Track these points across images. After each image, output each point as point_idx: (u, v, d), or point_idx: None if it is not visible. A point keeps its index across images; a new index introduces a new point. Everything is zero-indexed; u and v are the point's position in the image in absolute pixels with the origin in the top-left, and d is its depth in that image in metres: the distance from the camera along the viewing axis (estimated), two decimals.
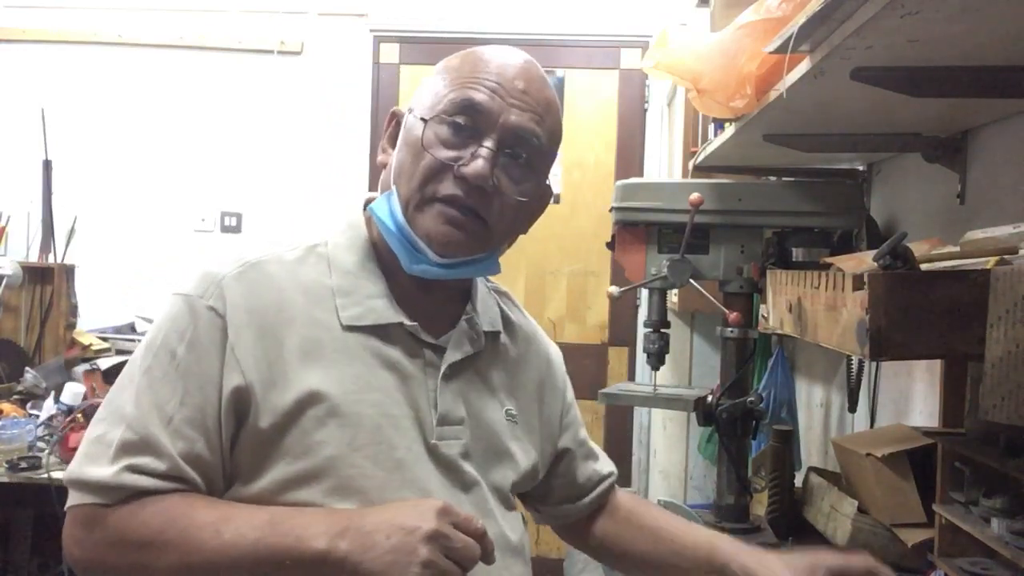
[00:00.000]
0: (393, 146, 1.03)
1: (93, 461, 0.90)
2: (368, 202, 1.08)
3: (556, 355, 1.22)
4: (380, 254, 1.02)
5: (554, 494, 1.20)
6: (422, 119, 0.97)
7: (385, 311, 0.99)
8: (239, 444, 0.92)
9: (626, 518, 1.22)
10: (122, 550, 0.88)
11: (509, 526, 1.03)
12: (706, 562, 1.10)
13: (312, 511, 0.89)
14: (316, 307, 0.96)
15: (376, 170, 1.15)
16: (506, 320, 1.14)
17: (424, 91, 1.01)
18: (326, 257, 1.01)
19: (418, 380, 0.99)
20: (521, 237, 1.09)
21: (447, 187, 0.96)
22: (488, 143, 0.96)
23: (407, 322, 0.99)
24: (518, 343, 1.14)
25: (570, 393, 1.23)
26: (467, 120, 0.96)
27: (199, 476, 0.91)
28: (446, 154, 0.95)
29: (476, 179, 0.94)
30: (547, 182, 1.06)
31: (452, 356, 1.02)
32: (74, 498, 0.91)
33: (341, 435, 0.92)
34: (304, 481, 0.91)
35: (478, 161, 0.94)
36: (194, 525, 0.87)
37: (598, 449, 1.27)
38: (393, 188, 0.99)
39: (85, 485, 0.90)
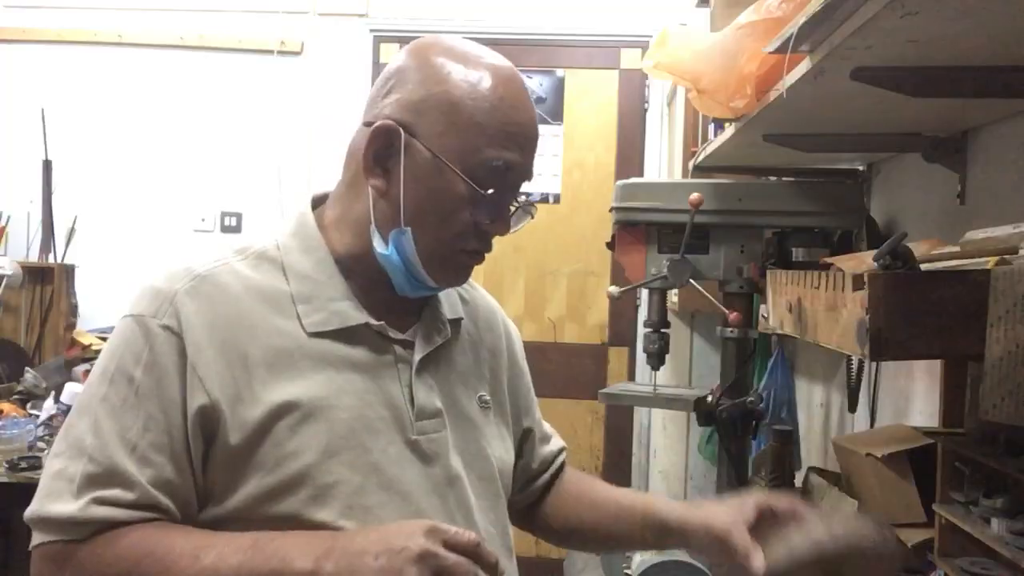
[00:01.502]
0: (382, 167, 0.95)
1: (56, 497, 0.87)
2: (317, 200, 1.06)
3: (515, 331, 1.22)
4: (336, 254, 1.00)
5: (515, 478, 1.17)
6: (452, 169, 0.92)
7: (349, 313, 0.97)
8: (210, 463, 0.90)
9: (568, 492, 1.20)
10: None
11: (490, 520, 1.02)
12: (642, 521, 1.09)
13: (296, 534, 0.87)
14: (277, 316, 0.94)
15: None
16: (464, 302, 1.13)
17: (440, 121, 0.93)
18: (279, 262, 0.98)
19: (390, 378, 0.98)
20: (521, 237, 1.10)
21: (474, 243, 0.97)
22: (512, 198, 0.98)
23: (373, 322, 0.98)
24: (479, 324, 1.14)
25: (527, 371, 1.22)
26: (500, 180, 0.95)
27: (171, 502, 0.89)
28: (482, 217, 0.95)
29: (500, 233, 0.98)
30: None
31: (422, 349, 1.01)
32: (38, 537, 0.87)
33: (315, 443, 0.90)
34: (280, 493, 0.89)
35: (506, 223, 0.98)
36: (173, 553, 0.84)
37: (550, 429, 1.25)
38: (407, 230, 0.94)
39: (50, 523, 0.87)
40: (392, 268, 0.97)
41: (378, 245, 0.96)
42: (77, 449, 0.88)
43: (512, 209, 0.99)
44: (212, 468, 0.90)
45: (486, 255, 1.01)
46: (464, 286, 1.15)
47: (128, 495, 0.87)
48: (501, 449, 1.08)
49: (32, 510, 0.89)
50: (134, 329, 0.92)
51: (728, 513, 0.99)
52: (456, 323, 1.08)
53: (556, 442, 1.24)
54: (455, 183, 0.93)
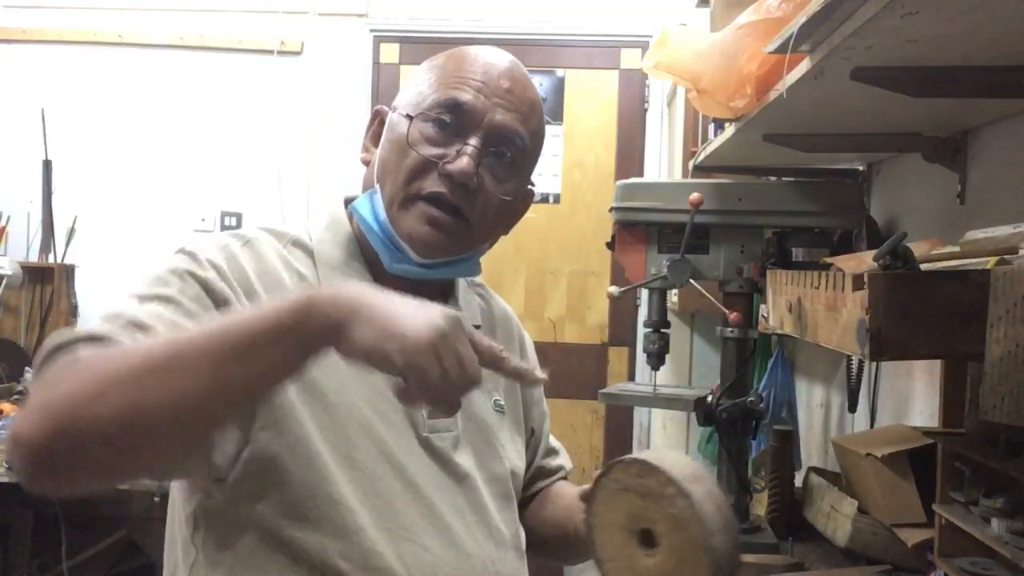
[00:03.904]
0: (376, 144, 1.03)
1: (65, 334, 0.80)
2: (349, 200, 1.07)
3: (529, 340, 1.23)
4: (364, 251, 1.02)
5: None
6: (407, 116, 0.98)
7: None
8: None
9: (544, 494, 1.19)
10: (78, 372, 0.73)
11: (503, 519, 1.02)
12: (564, 532, 1.08)
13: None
14: None
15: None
16: (483, 311, 1.14)
17: (409, 90, 1.02)
18: (311, 251, 1.00)
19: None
20: (521, 237, 1.09)
21: (431, 184, 0.96)
22: (473, 141, 0.96)
23: None
24: (497, 333, 1.14)
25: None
26: (452, 118, 0.96)
27: None
28: (431, 151, 0.96)
29: (461, 176, 0.94)
30: (530, 184, 1.07)
31: None
32: (35, 381, 0.77)
33: (331, 425, 0.91)
34: (295, 460, 0.89)
35: (463, 159, 0.95)
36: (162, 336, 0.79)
37: (558, 444, 1.25)
38: (376, 187, 0.99)
39: (55, 348, 0.78)
40: (371, 234, 0.98)
41: (364, 212, 0.99)
42: (101, 318, 0.84)
43: (473, 151, 0.95)
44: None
45: (471, 226, 0.98)
46: (482, 293, 1.16)
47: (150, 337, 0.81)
48: (514, 453, 1.08)
49: (40, 351, 0.80)
50: (179, 256, 0.92)
51: None
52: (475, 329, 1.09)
53: (559, 460, 1.23)
54: (408, 127, 0.97)
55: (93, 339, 0.79)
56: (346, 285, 0.78)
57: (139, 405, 0.71)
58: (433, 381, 0.72)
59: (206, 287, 0.89)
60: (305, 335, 0.73)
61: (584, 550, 1.06)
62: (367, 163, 1.04)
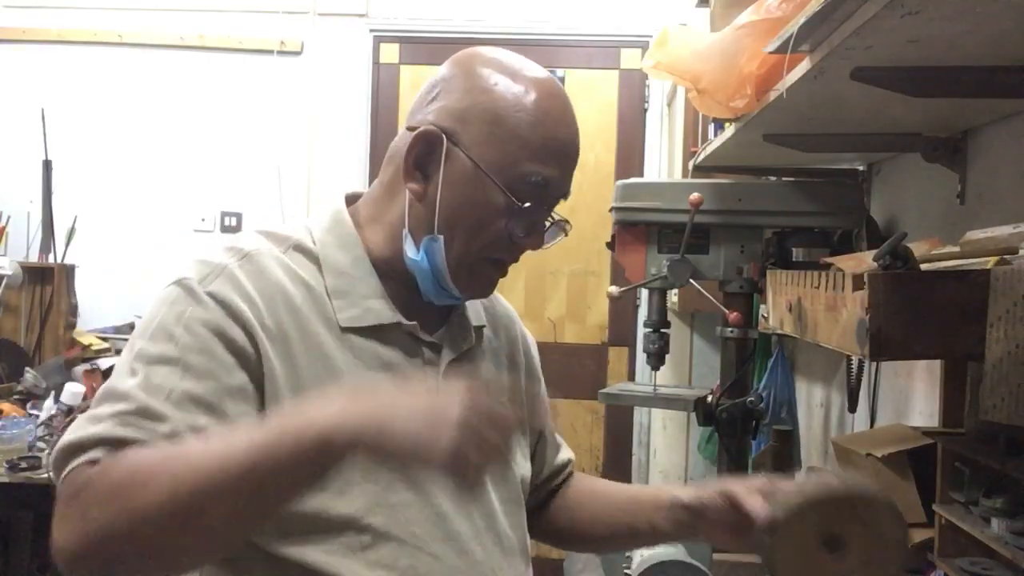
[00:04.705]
0: (421, 171, 0.96)
1: (83, 430, 0.83)
2: (353, 197, 1.06)
3: (531, 339, 1.23)
4: (371, 253, 1.00)
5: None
6: (494, 182, 0.93)
7: (383, 312, 0.97)
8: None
9: (576, 490, 1.21)
10: (107, 501, 0.77)
11: (511, 524, 1.03)
12: (653, 503, 1.09)
13: (316, 398, 0.82)
14: (314, 306, 0.95)
15: (375, 169, 1.13)
16: (487, 310, 1.13)
17: (483, 132, 0.94)
18: (316, 255, 0.98)
19: (418, 380, 0.98)
20: None
21: (503, 252, 0.98)
22: (546, 215, 0.98)
23: (405, 322, 0.98)
24: (500, 333, 1.14)
25: (543, 379, 1.22)
26: (536, 194, 0.95)
27: None
28: (516, 229, 0.96)
29: (533, 249, 0.98)
30: None
31: (450, 354, 1.01)
32: (61, 471, 0.82)
33: None
34: None
35: (538, 237, 0.98)
36: (186, 451, 0.80)
37: (560, 438, 1.26)
38: (440, 237, 0.95)
39: (73, 448, 0.82)
40: (421, 274, 0.97)
41: (409, 250, 0.97)
42: (109, 395, 0.85)
43: (547, 224, 0.99)
44: None
45: (510, 268, 1.01)
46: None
47: (161, 428, 0.83)
48: (520, 456, 1.09)
49: (55, 453, 0.84)
50: (178, 292, 0.91)
51: (735, 480, 1.00)
52: (480, 330, 1.09)
53: (565, 452, 1.24)
54: (493, 194, 0.93)
55: (107, 442, 0.82)
56: (357, 393, 0.80)
57: (178, 536, 0.79)
58: (468, 476, 0.78)
59: (212, 329, 0.88)
60: (335, 457, 0.79)
61: (653, 542, 1.15)
62: (419, 197, 0.96)
